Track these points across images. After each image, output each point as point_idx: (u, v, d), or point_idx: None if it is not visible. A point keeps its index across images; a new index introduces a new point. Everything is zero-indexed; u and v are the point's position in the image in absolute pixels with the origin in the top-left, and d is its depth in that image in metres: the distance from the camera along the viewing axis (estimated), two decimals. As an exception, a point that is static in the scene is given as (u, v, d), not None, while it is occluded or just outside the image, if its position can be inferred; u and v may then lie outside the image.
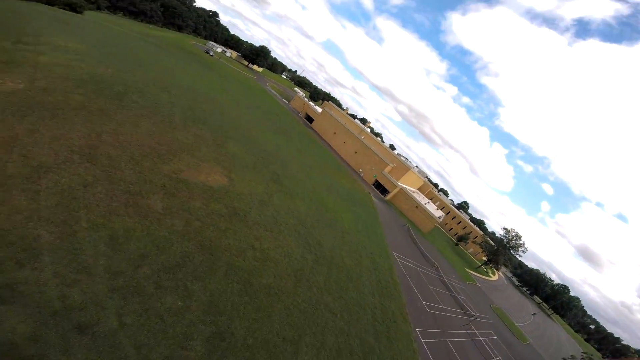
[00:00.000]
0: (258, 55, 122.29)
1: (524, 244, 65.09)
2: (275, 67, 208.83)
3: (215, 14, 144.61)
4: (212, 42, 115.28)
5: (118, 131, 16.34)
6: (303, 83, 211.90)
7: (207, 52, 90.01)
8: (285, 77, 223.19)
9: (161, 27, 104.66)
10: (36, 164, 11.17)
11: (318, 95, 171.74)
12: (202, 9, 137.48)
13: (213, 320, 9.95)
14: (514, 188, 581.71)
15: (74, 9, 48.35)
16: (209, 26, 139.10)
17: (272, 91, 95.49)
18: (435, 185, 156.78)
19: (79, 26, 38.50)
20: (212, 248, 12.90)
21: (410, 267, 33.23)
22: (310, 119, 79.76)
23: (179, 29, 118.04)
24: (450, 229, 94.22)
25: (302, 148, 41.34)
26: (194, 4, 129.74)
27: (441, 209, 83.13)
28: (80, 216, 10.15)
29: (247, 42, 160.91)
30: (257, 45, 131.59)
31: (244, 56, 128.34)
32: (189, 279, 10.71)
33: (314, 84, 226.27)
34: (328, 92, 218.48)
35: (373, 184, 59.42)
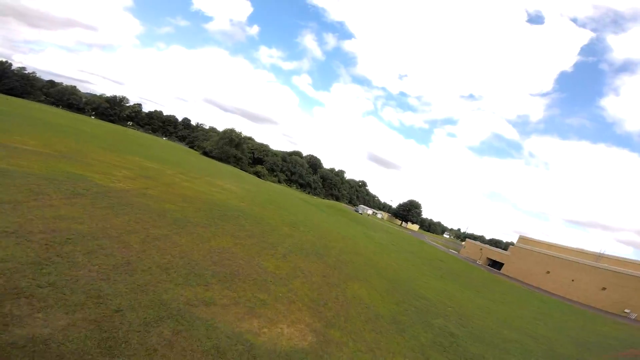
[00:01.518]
0: (409, 211, 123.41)
1: None
2: (434, 227, 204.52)
3: (364, 184, 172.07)
4: (363, 205, 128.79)
5: (165, 237, 11.08)
6: (472, 237, 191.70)
7: (356, 211, 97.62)
8: (447, 236, 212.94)
9: (323, 198, 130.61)
10: (16, 222, 6.41)
11: (497, 245, 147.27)
12: (352, 180, 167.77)
13: None
14: None
15: (259, 176, 69.22)
16: (361, 195, 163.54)
17: (433, 242, 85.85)
18: None
19: (248, 180, 49.14)
20: None
21: None
22: (496, 264, 71.27)
23: (337, 199, 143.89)
24: None
25: (495, 298, 27.47)
26: (345, 174, 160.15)
27: None
28: None
29: (391, 206, 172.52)
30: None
31: (395, 215, 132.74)
32: None
33: (487, 237, 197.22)
34: (510, 241, 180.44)
35: (661, 322, 37.24)
